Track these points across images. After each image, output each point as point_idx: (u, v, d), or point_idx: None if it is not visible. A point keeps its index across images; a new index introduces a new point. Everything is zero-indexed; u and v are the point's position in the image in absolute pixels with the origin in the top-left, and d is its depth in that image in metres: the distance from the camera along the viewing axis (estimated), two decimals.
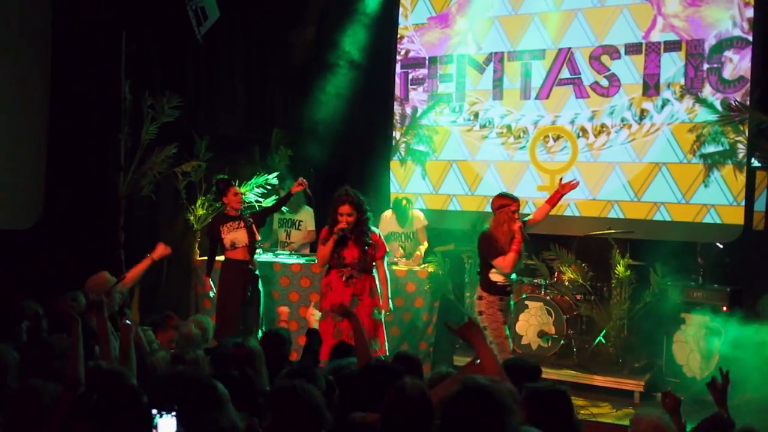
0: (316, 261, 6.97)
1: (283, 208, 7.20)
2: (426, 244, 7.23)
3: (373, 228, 5.73)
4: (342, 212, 5.47)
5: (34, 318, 4.36)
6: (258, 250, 6.57)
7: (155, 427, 2.45)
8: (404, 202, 7.25)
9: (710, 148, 6.80)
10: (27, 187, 6.55)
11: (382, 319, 5.70)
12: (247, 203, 7.06)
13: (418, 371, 3.60)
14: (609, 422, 5.55)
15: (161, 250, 5.23)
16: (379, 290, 5.68)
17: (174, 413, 2.45)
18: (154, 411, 2.46)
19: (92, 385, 2.81)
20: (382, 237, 5.81)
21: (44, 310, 4.55)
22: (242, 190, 7.13)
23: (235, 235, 6.12)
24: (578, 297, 6.73)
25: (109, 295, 4.27)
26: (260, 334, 6.16)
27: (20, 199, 6.49)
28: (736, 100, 6.46)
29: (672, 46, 6.97)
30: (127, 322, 3.67)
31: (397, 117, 8.45)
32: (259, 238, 6.41)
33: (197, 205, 7.48)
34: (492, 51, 7.88)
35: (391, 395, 2.67)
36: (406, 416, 2.60)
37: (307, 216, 7.66)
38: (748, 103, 6.53)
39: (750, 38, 6.61)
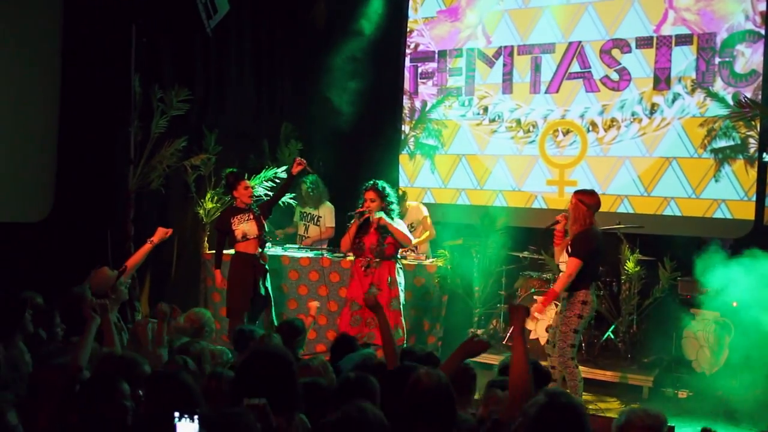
0: (324, 254, 7.01)
1: (307, 206, 7.43)
2: (428, 233, 7.28)
3: (397, 219, 5.87)
4: (366, 198, 5.77)
5: (42, 309, 4.38)
6: (267, 244, 6.57)
7: (174, 429, 2.45)
8: (399, 194, 7.25)
9: (721, 143, 6.76)
10: (37, 181, 6.59)
11: (401, 309, 5.83)
12: (257, 197, 7.07)
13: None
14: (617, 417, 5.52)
15: (161, 233, 5.25)
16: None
17: (197, 418, 2.43)
18: (176, 414, 2.45)
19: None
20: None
21: (57, 302, 4.56)
22: (252, 183, 7.14)
23: (246, 227, 6.13)
24: None
25: (115, 290, 4.28)
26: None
27: (31, 193, 6.53)
28: (745, 97, 6.41)
29: (683, 40, 6.92)
30: (99, 301, 3.74)
31: (406, 111, 8.43)
32: (267, 229, 6.42)
33: (207, 198, 7.50)
34: (502, 45, 7.84)
35: (410, 386, 2.75)
36: (428, 404, 2.70)
37: (327, 212, 7.61)
38: (759, 96, 6.48)
39: (762, 32, 6.56)
